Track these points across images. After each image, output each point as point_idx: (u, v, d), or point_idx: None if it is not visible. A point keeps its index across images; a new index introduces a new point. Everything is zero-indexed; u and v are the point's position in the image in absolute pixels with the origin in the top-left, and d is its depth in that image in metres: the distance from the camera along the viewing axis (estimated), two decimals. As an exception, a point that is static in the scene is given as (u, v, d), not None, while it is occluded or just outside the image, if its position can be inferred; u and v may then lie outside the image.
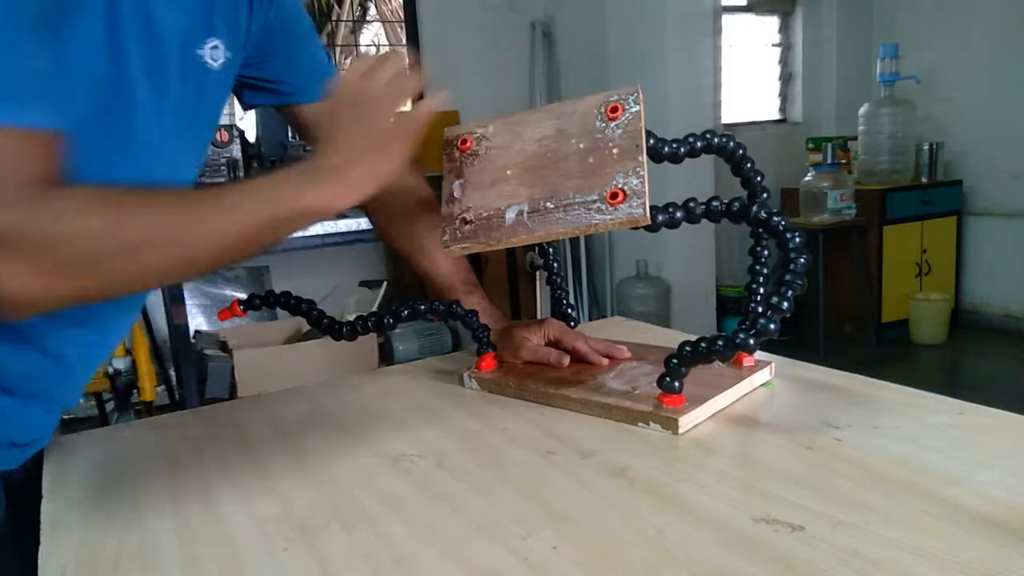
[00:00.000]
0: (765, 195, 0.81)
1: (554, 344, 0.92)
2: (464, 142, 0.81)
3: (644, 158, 0.72)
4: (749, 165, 0.82)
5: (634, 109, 0.73)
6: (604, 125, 0.74)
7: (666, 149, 0.76)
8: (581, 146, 0.75)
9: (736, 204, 0.76)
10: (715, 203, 0.76)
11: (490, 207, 0.77)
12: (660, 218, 0.74)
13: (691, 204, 0.76)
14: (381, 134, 0.66)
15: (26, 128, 0.52)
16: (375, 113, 0.66)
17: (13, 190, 0.51)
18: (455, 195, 0.80)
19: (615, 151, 0.73)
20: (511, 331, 0.93)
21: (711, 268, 3.62)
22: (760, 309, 0.73)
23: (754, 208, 0.76)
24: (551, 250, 1.03)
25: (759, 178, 0.82)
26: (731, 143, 0.80)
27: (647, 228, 0.73)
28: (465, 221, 0.78)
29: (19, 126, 0.52)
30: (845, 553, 0.50)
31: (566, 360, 0.89)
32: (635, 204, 0.70)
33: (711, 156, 0.81)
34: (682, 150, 0.77)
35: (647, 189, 0.71)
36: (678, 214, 0.75)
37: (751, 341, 0.69)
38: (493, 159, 0.79)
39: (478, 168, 0.80)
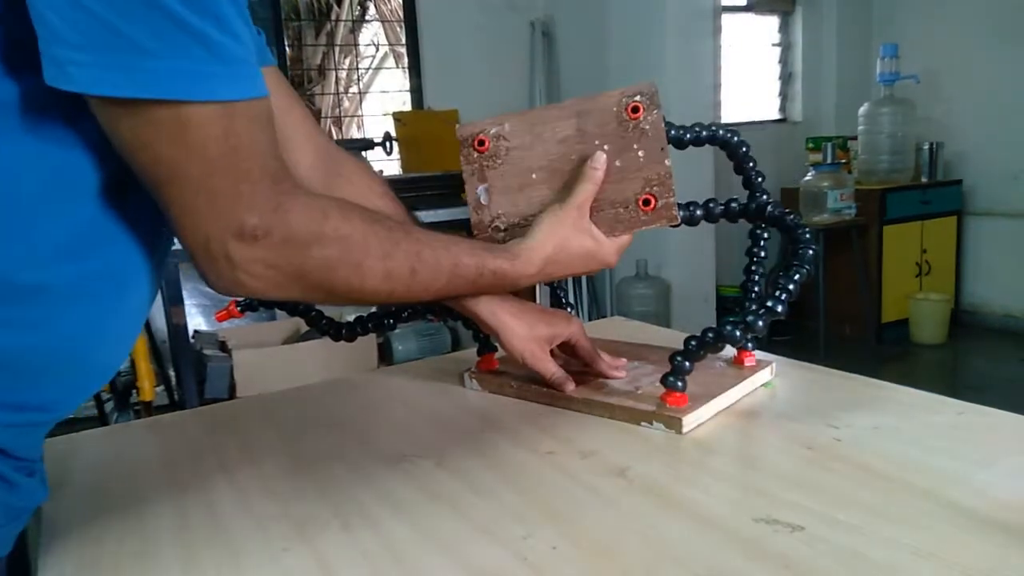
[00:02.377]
0: (764, 196, 0.82)
1: (568, 351, 0.85)
2: (481, 143, 0.80)
3: (669, 161, 0.74)
4: (751, 164, 0.83)
5: (654, 107, 0.74)
6: (626, 125, 0.75)
7: (672, 132, 0.79)
8: (606, 148, 0.76)
9: (753, 205, 0.80)
10: (733, 204, 0.81)
11: (520, 213, 0.79)
12: (681, 215, 0.78)
13: (711, 204, 0.80)
14: (585, 267, 0.77)
15: (261, 98, 0.50)
16: (593, 265, 0.77)
17: (266, 188, 0.51)
18: (482, 201, 0.80)
19: (640, 154, 0.75)
20: (513, 325, 0.79)
21: (711, 268, 3.62)
22: (756, 290, 0.76)
23: (768, 207, 0.80)
24: None
25: (760, 179, 0.84)
26: (735, 138, 0.83)
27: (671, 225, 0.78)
28: (498, 229, 0.80)
29: (261, 96, 0.50)
30: (845, 553, 0.50)
31: (570, 386, 0.80)
32: (665, 208, 0.75)
33: (712, 155, 0.84)
34: (687, 136, 0.81)
35: (674, 191, 0.75)
36: (698, 212, 0.80)
37: (760, 322, 0.71)
38: (516, 161, 0.79)
39: (501, 171, 0.79)
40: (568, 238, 0.74)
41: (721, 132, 0.81)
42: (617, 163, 0.75)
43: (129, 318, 0.57)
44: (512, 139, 0.79)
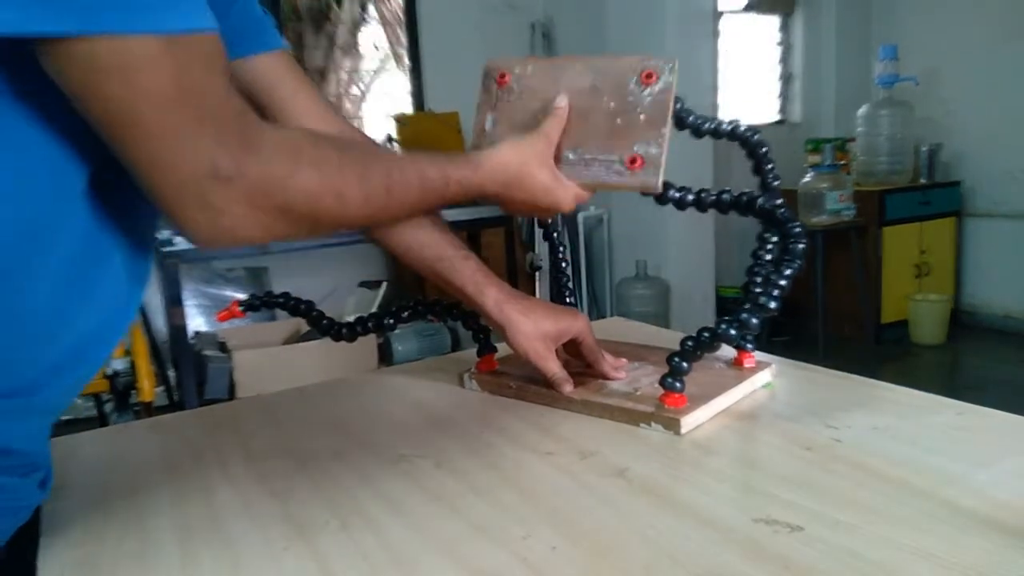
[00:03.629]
0: (779, 199, 0.82)
1: (572, 350, 0.85)
2: (503, 76, 0.83)
3: (668, 130, 0.75)
4: (770, 167, 0.84)
5: (668, 79, 0.75)
6: (637, 89, 0.76)
7: (691, 118, 0.79)
8: (612, 105, 0.77)
9: (744, 197, 0.80)
10: (725, 195, 0.81)
11: None
12: (671, 193, 0.79)
13: (703, 193, 0.81)
14: (543, 205, 0.77)
15: (211, 33, 0.47)
16: (549, 200, 0.76)
17: (231, 124, 0.49)
18: (486, 128, 0.83)
19: (642, 117, 0.76)
20: (519, 322, 0.80)
21: (711, 268, 3.62)
22: (758, 291, 0.76)
23: (759, 200, 0.80)
24: (561, 248, 1.02)
25: (776, 181, 0.84)
26: (755, 136, 0.83)
27: (656, 199, 0.78)
28: None
29: (209, 30, 0.47)
30: (845, 553, 0.50)
31: (568, 387, 0.80)
32: (650, 172, 0.75)
33: (712, 152, 0.84)
34: (706, 125, 0.81)
35: (664, 160, 0.75)
36: (689, 197, 0.80)
37: (754, 320, 0.72)
38: (527, 101, 0.82)
39: (513, 107, 0.82)
40: (529, 162, 0.75)
41: (742, 129, 0.82)
42: (618, 120, 0.76)
43: (104, 303, 0.55)
44: (532, 80, 0.82)
